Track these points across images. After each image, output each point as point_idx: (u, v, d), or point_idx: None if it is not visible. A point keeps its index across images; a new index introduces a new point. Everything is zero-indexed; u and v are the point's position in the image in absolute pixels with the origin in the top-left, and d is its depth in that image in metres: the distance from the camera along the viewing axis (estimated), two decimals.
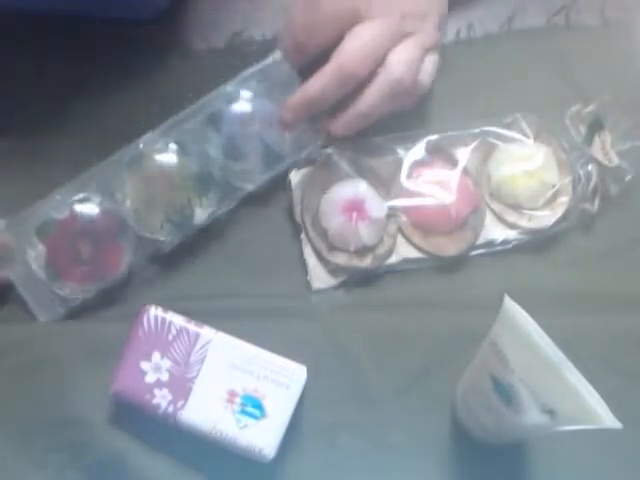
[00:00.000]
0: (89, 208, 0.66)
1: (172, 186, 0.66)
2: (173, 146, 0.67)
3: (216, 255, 0.69)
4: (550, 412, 0.50)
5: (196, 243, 0.69)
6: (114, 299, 0.67)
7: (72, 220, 0.65)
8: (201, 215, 0.67)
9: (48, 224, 0.65)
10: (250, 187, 0.69)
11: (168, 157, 0.67)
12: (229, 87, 0.69)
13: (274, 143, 0.69)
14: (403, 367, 0.65)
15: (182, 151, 0.67)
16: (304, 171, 0.70)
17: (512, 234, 0.70)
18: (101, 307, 0.67)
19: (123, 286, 0.67)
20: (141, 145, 0.67)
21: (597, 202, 0.70)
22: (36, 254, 0.65)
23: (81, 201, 0.66)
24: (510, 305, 0.52)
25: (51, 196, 0.66)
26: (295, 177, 0.69)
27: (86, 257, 0.65)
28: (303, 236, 0.69)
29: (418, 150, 0.69)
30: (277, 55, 0.69)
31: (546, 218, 0.70)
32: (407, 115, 0.71)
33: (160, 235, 0.67)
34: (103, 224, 0.66)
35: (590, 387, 0.49)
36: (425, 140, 0.70)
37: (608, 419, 0.47)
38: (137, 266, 0.67)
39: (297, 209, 0.69)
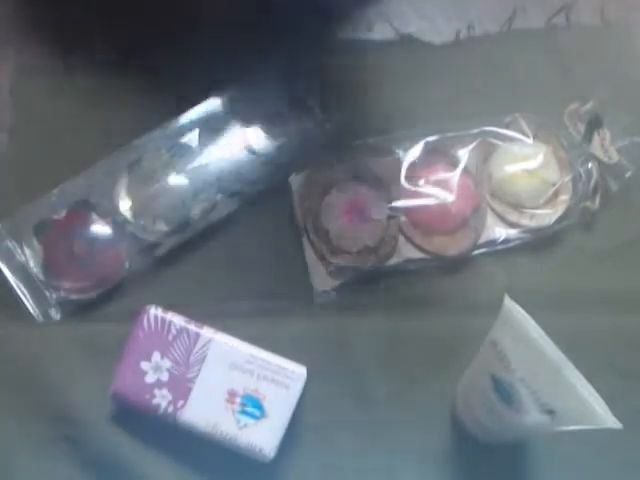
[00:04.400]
0: (86, 208, 0.66)
1: (168, 186, 0.66)
2: (168, 147, 0.68)
3: (217, 258, 0.69)
4: (550, 412, 0.50)
5: (197, 246, 0.69)
6: (114, 299, 0.67)
7: (69, 220, 0.66)
8: (196, 215, 0.67)
9: (45, 224, 0.65)
10: (248, 189, 0.69)
11: (163, 157, 0.68)
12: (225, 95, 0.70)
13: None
14: (403, 367, 0.65)
15: (177, 152, 0.68)
16: (304, 174, 0.70)
17: (513, 233, 0.70)
18: (101, 307, 0.67)
19: (123, 286, 0.67)
20: (138, 146, 0.68)
21: (598, 199, 0.70)
22: (33, 253, 0.65)
23: (78, 201, 0.66)
24: (510, 305, 0.52)
25: (48, 196, 0.66)
26: (295, 180, 0.69)
27: (83, 257, 0.65)
28: (304, 238, 0.69)
29: (417, 150, 0.69)
30: None
31: (547, 216, 0.70)
32: (406, 115, 0.72)
33: (156, 236, 0.67)
34: (100, 224, 0.66)
35: (590, 387, 0.48)
36: (424, 140, 0.69)
37: (608, 419, 0.47)
38: (136, 267, 0.67)
39: (298, 212, 0.69)
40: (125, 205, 0.67)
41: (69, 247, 0.65)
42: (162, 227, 0.67)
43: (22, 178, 0.70)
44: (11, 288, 0.65)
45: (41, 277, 0.65)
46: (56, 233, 0.66)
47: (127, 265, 0.67)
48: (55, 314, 0.66)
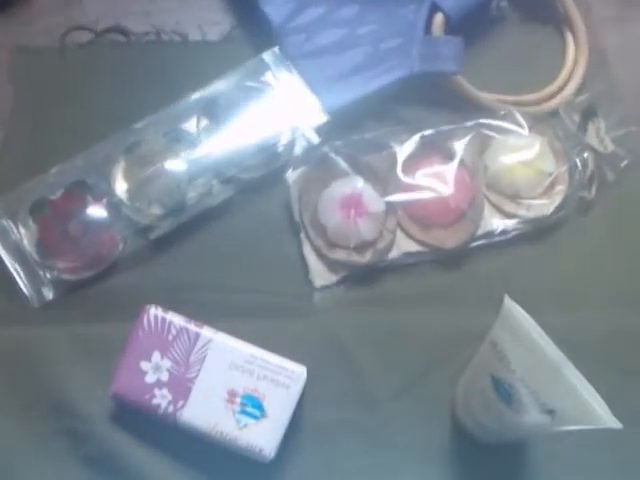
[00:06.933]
0: (82, 189, 0.66)
1: (165, 170, 0.67)
2: (166, 132, 0.68)
3: (215, 254, 0.69)
4: (550, 412, 0.50)
5: (193, 231, 0.69)
6: (114, 299, 0.67)
7: (65, 201, 0.66)
8: (192, 200, 0.68)
9: (41, 204, 0.66)
10: (245, 176, 0.69)
11: (160, 142, 0.68)
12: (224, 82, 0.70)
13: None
14: (403, 366, 0.65)
15: (175, 137, 0.68)
16: (301, 169, 0.69)
17: (511, 224, 0.70)
18: (101, 307, 0.67)
19: (116, 268, 0.68)
20: (137, 130, 0.68)
21: (594, 189, 0.71)
22: (28, 233, 0.66)
23: (74, 182, 0.66)
24: (510, 305, 0.52)
25: (45, 176, 0.66)
26: (292, 175, 0.69)
27: (78, 237, 0.66)
28: (302, 234, 0.69)
29: (413, 144, 0.69)
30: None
31: (544, 207, 0.70)
32: (402, 110, 0.72)
33: (151, 219, 0.67)
34: (95, 206, 0.66)
35: (590, 387, 0.49)
36: (420, 134, 0.69)
37: (608, 419, 0.47)
38: (130, 249, 0.68)
39: (295, 207, 0.69)
40: (121, 187, 0.67)
41: (64, 227, 0.66)
42: (157, 210, 0.67)
43: (19, 158, 0.71)
44: (5, 267, 0.65)
45: (35, 256, 0.65)
46: (51, 213, 0.66)
47: (121, 247, 0.67)
48: (48, 293, 0.66)
